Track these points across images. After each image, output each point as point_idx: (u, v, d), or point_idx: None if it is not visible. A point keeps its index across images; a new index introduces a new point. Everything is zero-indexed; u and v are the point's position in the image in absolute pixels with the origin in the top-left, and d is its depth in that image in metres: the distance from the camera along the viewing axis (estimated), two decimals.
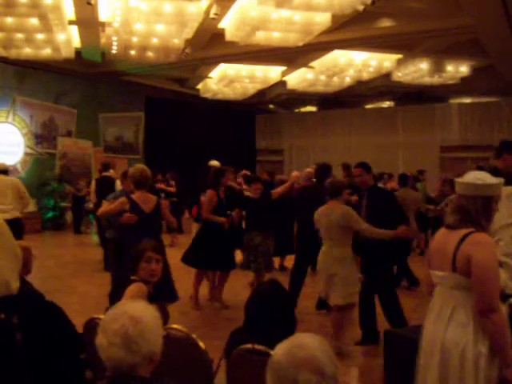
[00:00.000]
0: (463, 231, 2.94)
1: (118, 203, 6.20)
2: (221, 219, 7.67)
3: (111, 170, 11.64)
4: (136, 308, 2.23)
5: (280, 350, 1.86)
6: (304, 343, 1.86)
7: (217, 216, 7.68)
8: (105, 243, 10.67)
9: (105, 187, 10.62)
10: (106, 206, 6.64)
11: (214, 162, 10.85)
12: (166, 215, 6.51)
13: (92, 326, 3.53)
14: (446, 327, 2.97)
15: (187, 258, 7.89)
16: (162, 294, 6.00)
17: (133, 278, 4.03)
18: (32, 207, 15.97)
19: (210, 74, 17.71)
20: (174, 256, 7.72)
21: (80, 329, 3.76)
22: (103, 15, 11.24)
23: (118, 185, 10.41)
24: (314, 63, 15.73)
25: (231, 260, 7.92)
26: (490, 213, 2.99)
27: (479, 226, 2.95)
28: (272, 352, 1.95)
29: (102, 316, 3.50)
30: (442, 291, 3.05)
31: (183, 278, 9.13)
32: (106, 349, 2.13)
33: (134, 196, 6.13)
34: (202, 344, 3.13)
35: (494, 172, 3.85)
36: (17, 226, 9.04)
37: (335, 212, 5.91)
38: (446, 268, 2.98)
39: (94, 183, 11.19)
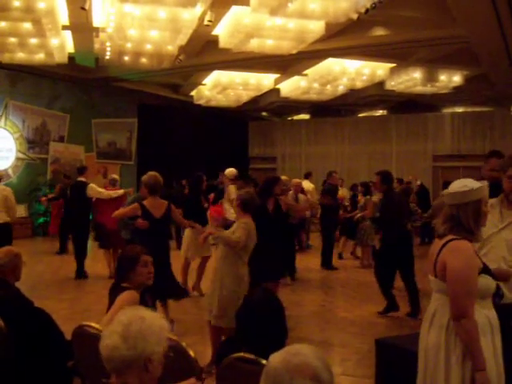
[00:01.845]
0: (446, 238, 3.06)
1: (131, 208, 6.80)
2: None
3: (109, 176, 11.61)
4: (149, 313, 2.33)
5: (275, 358, 1.85)
6: (299, 351, 1.85)
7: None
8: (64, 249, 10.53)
9: (76, 192, 10.59)
10: (121, 210, 7.27)
11: (230, 170, 10.90)
12: (178, 218, 6.99)
13: (81, 333, 3.48)
14: (428, 329, 3.12)
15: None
16: (172, 292, 6.55)
17: (124, 285, 3.93)
18: (23, 212, 15.91)
19: (204, 81, 17.71)
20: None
21: (69, 336, 3.71)
22: (97, 21, 11.20)
23: (91, 188, 10.37)
24: (307, 71, 15.75)
25: None
26: (480, 216, 3.08)
27: (470, 232, 3.06)
28: (265, 360, 1.93)
29: (91, 323, 3.47)
30: (433, 295, 3.22)
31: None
32: (106, 336, 2.22)
33: (145, 202, 6.61)
34: (191, 352, 3.09)
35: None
36: (6, 231, 9.00)
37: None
38: (432, 273, 3.14)
39: (69, 188, 11.16)
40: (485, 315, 3.00)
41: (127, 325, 2.21)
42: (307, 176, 14.62)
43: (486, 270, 3.05)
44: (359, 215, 11.81)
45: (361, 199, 12.43)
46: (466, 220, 3.03)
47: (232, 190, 10.36)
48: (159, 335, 2.25)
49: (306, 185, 13.40)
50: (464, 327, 2.90)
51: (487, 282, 3.02)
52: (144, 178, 6.91)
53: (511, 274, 3.54)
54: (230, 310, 4.91)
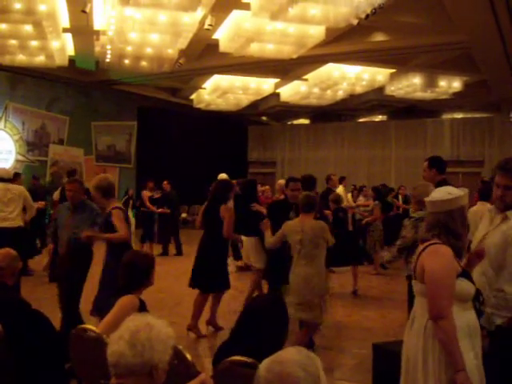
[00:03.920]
0: (428, 243, 3.11)
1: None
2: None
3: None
4: (157, 320, 2.32)
5: (263, 364, 1.87)
6: (285, 359, 1.84)
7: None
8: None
9: (63, 195, 10.64)
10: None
11: (223, 175, 10.84)
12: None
13: (78, 335, 3.48)
14: (408, 332, 3.17)
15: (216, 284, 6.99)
16: None
17: (133, 291, 3.80)
18: None
19: (204, 85, 17.72)
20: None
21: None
22: (98, 24, 11.23)
23: None
24: (307, 76, 15.78)
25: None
26: (466, 219, 3.19)
27: (458, 236, 3.11)
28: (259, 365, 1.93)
29: (89, 326, 3.46)
30: (415, 299, 3.26)
31: (172, 286, 9.12)
32: (114, 342, 2.21)
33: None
34: (188, 356, 3.08)
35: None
36: (19, 235, 8.72)
37: (317, 225, 5.79)
38: (413, 277, 3.20)
39: (58, 191, 11.15)
40: (465, 318, 3.03)
41: (135, 332, 2.20)
42: (341, 181, 13.06)
43: (465, 274, 3.10)
44: (367, 220, 11.57)
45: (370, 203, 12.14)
46: (455, 225, 3.09)
47: None
48: (166, 344, 2.26)
49: (340, 190, 12.33)
50: (442, 328, 2.92)
51: (466, 286, 3.06)
52: (96, 182, 5.91)
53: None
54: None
